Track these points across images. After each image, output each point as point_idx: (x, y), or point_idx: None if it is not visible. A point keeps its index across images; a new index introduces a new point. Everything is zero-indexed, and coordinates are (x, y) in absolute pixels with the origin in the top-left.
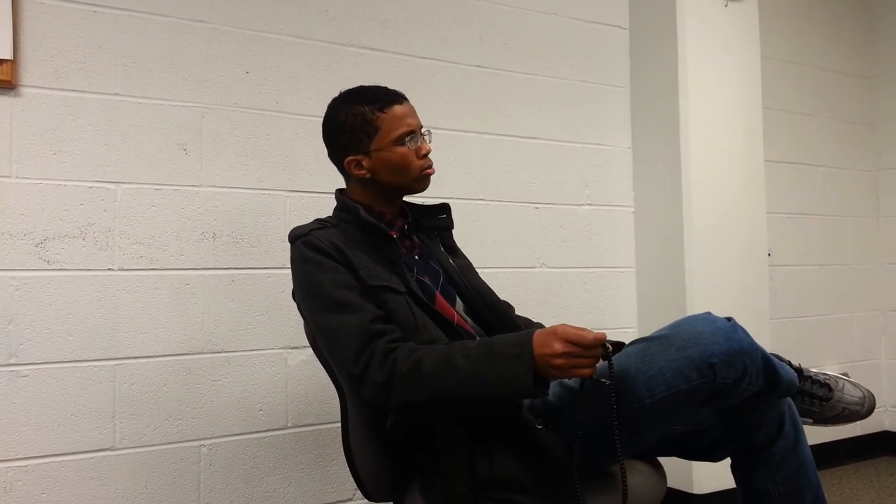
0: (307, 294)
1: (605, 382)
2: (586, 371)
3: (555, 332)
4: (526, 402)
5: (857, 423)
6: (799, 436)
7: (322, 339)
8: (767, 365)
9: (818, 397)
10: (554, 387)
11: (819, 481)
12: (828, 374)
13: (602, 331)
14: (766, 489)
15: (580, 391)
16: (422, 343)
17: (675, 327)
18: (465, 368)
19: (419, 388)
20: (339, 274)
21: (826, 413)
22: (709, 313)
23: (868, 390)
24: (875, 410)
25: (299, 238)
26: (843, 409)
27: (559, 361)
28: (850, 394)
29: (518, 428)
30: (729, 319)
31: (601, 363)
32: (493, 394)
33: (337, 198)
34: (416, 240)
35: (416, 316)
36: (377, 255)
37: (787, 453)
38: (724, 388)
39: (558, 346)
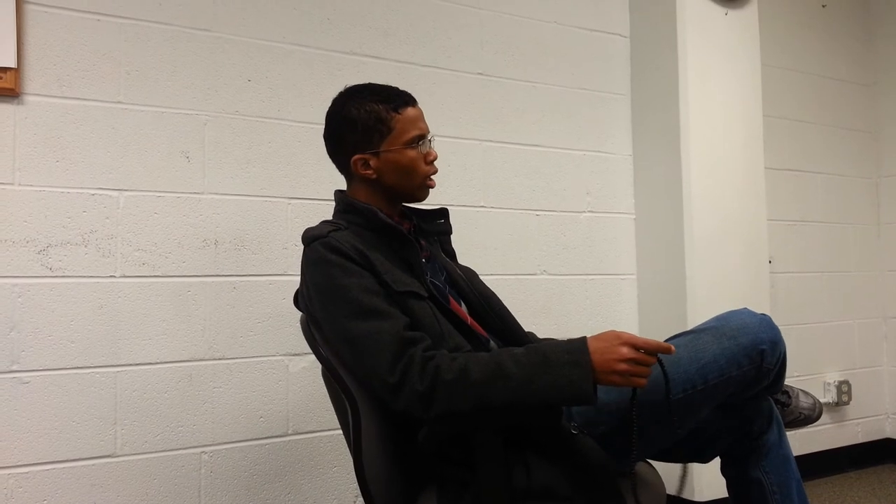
0: (329, 299)
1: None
2: (642, 381)
3: (619, 337)
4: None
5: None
6: (781, 430)
7: (348, 347)
8: (785, 360)
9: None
10: None
11: (800, 477)
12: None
13: (668, 343)
14: (758, 479)
15: (632, 401)
16: (450, 350)
17: (723, 319)
18: (517, 375)
19: (466, 397)
20: (364, 279)
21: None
22: (747, 308)
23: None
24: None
25: (317, 239)
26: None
27: (623, 367)
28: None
29: (554, 435)
30: (763, 315)
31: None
32: (547, 401)
33: (340, 199)
34: (422, 243)
35: (440, 322)
36: (395, 259)
37: (774, 445)
38: (765, 374)
39: (625, 352)
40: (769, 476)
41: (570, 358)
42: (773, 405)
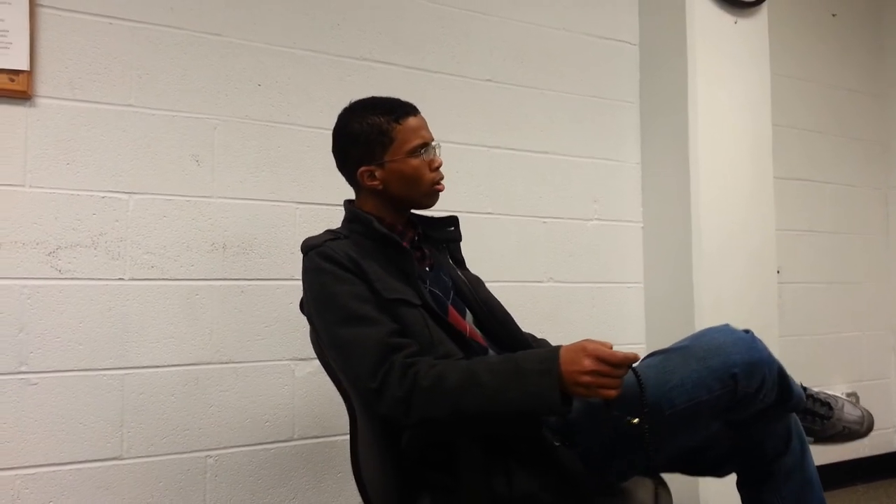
0: (322, 306)
1: (632, 421)
2: (612, 392)
3: (584, 349)
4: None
5: (866, 443)
6: (805, 452)
7: (336, 353)
8: (782, 378)
9: (819, 415)
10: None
11: (825, 500)
12: (828, 394)
13: (633, 351)
14: None
15: (603, 410)
16: (438, 357)
17: (695, 339)
18: (489, 384)
19: (441, 404)
20: (355, 286)
21: (827, 431)
22: (727, 325)
23: (867, 410)
24: (885, 431)
25: (313, 248)
26: (844, 427)
27: (587, 379)
28: (850, 413)
29: (536, 445)
30: (747, 331)
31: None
32: (518, 410)
33: (347, 209)
34: (426, 251)
35: (431, 329)
36: (390, 267)
37: (794, 469)
38: (743, 399)
39: (587, 364)
40: (785, 502)
41: (540, 367)
42: (794, 425)
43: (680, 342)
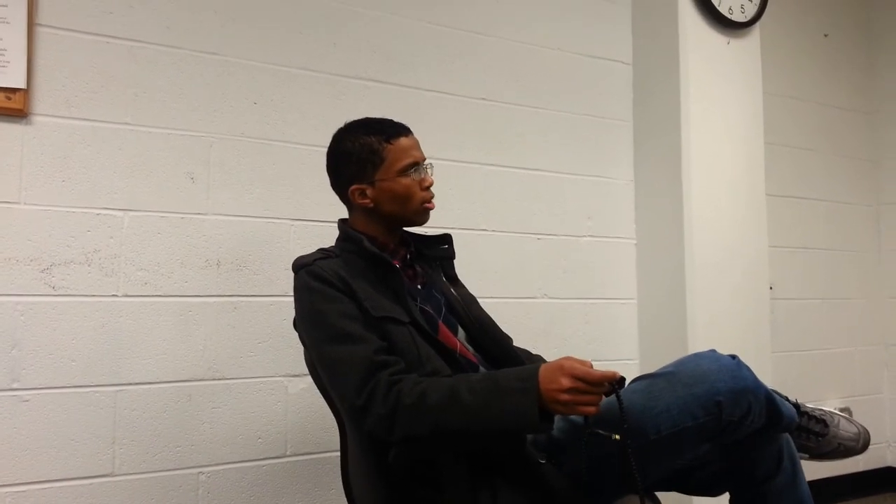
0: (310, 324)
1: (613, 437)
2: (591, 409)
3: (561, 368)
4: (530, 436)
5: (860, 458)
6: (797, 472)
7: (324, 370)
8: (770, 402)
9: (814, 433)
10: (558, 421)
11: None
12: (823, 410)
13: (611, 369)
14: None
15: (584, 428)
16: (425, 374)
17: (681, 364)
18: (469, 402)
19: (423, 421)
20: (343, 304)
21: (822, 448)
22: (713, 351)
23: (863, 427)
24: (877, 446)
25: (303, 268)
26: (839, 444)
27: (565, 397)
28: (846, 429)
29: (521, 463)
30: (733, 357)
31: (605, 399)
32: (498, 428)
33: (340, 228)
34: (418, 269)
35: (419, 347)
36: (380, 286)
37: (785, 489)
38: (728, 426)
39: (565, 382)
40: None
41: (519, 385)
42: (785, 446)
43: (666, 367)
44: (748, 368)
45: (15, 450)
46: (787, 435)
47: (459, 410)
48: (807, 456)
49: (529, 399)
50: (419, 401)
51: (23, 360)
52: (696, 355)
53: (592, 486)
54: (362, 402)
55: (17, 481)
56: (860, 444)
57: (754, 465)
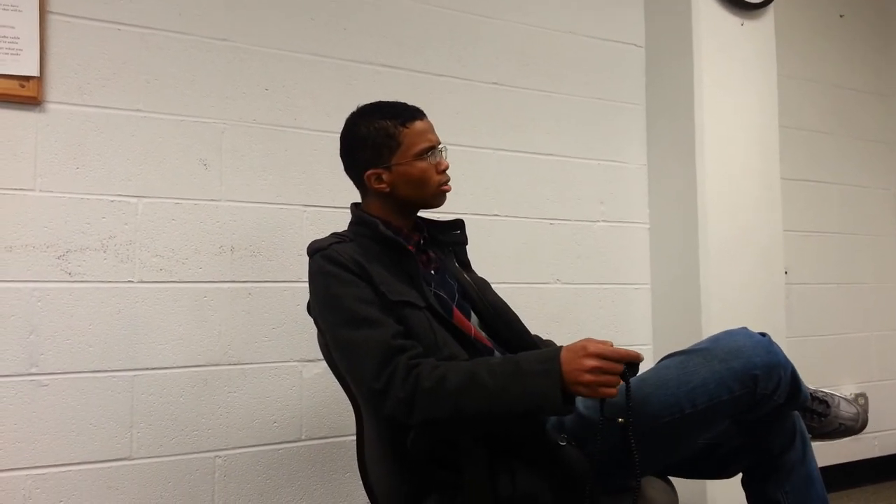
0: (326, 308)
1: (618, 421)
2: (612, 391)
3: (584, 348)
4: (552, 418)
5: (876, 444)
6: (806, 448)
7: (341, 354)
8: (794, 379)
9: (817, 413)
10: (583, 400)
11: (826, 497)
12: (825, 392)
13: (636, 350)
14: (776, 499)
15: (601, 414)
16: (442, 359)
17: (716, 341)
18: (490, 385)
19: (443, 405)
20: (360, 288)
21: (825, 428)
22: (745, 328)
23: (861, 406)
24: (893, 431)
25: (318, 251)
26: (840, 424)
27: (588, 378)
28: (846, 410)
29: (541, 445)
30: (764, 335)
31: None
32: (519, 411)
33: (353, 212)
34: (431, 254)
35: (435, 331)
36: (395, 270)
37: (797, 464)
38: (761, 400)
39: (588, 362)
40: (788, 496)
41: (540, 368)
42: (798, 422)
43: (699, 344)
44: (777, 345)
45: (34, 433)
46: (797, 412)
47: (480, 393)
48: (810, 436)
49: (552, 381)
50: (438, 384)
51: (41, 345)
52: (729, 332)
53: (611, 467)
54: (381, 386)
55: (36, 464)
56: (859, 424)
57: (772, 439)
